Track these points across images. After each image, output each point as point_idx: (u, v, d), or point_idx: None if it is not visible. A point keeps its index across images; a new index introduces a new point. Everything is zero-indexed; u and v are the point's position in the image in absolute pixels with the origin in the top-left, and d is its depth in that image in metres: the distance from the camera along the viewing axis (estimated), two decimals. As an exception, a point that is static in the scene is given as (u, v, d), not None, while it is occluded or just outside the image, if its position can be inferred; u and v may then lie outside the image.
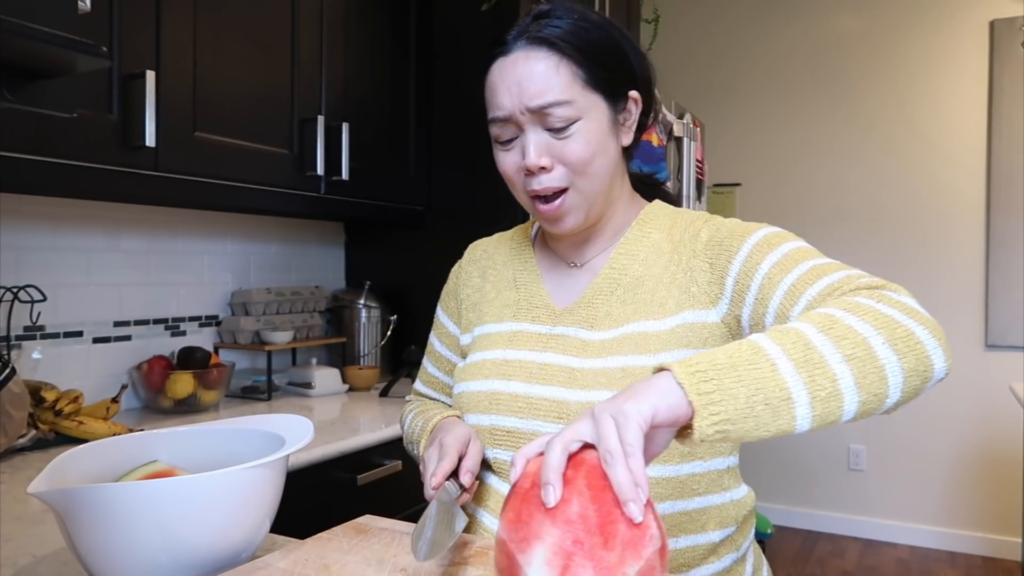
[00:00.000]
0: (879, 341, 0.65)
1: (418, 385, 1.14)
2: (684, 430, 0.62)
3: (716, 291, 0.87)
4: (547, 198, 0.88)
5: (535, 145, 0.85)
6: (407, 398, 1.16)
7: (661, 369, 0.64)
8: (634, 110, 0.92)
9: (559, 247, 0.99)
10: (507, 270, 1.03)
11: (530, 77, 0.84)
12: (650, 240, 0.94)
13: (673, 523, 0.87)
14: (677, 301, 0.88)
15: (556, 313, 0.95)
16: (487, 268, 1.06)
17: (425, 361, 1.12)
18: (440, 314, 1.11)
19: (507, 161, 0.90)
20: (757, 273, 0.82)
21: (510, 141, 0.89)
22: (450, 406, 1.05)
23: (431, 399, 1.12)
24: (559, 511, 0.57)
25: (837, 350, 0.64)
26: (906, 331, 0.67)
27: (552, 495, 0.57)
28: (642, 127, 0.95)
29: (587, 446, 0.61)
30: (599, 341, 0.89)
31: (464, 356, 1.04)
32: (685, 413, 0.60)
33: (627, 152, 0.95)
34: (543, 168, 0.86)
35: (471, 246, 1.11)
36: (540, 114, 0.85)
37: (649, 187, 1.06)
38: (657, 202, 0.99)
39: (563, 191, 0.88)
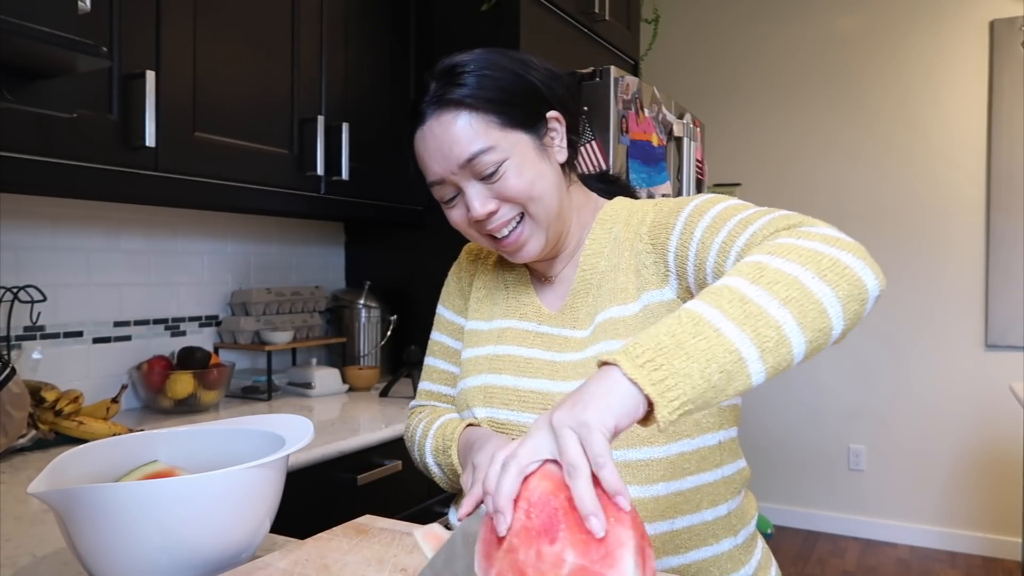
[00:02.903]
0: (809, 276, 0.66)
1: (427, 386, 1.11)
2: (647, 417, 0.61)
3: (663, 269, 0.90)
4: (506, 235, 0.91)
5: (476, 196, 0.89)
6: (411, 405, 1.13)
7: (605, 362, 0.62)
8: (559, 127, 0.94)
9: (533, 264, 1.02)
10: (498, 272, 1.07)
11: (448, 139, 0.87)
12: (611, 235, 0.97)
13: (669, 504, 0.88)
14: (636, 285, 0.91)
15: (544, 315, 0.99)
16: (479, 268, 1.09)
17: (433, 361, 1.11)
18: (444, 312, 1.11)
19: (456, 217, 0.94)
20: (692, 242, 0.84)
21: (453, 199, 0.92)
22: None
23: (443, 397, 1.10)
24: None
25: (773, 297, 0.64)
26: (832, 259, 0.67)
27: (503, 523, 0.56)
28: (573, 141, 0.97)
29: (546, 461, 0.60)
30: (579, 338, 0.93)
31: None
32: (644, 408, 0.60)
33: (568, 165, 0.97)
34: (491, 213, 0.90)
35: (466, 248, 1.14)
36: (469, 167, 0.88)
37: (609, 184, 1.09)
38: (618, 199, 1.02)
39: (518, 220, 0.91)
